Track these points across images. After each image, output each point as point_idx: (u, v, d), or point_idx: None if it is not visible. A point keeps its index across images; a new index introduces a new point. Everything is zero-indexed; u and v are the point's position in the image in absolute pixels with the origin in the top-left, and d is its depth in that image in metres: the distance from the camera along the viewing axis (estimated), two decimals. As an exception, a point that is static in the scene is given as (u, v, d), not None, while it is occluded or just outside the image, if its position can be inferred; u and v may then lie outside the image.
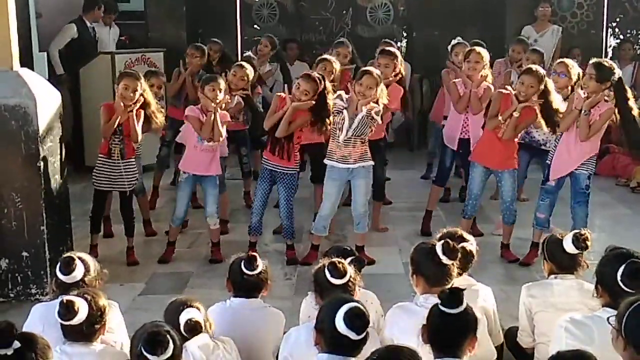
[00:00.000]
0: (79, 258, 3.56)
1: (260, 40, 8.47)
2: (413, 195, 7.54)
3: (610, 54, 10.49)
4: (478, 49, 6.23)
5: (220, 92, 5.70)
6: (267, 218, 6.10)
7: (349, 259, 3.59)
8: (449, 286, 2.85)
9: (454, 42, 7.18)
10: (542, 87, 5.49)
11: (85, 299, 3.11)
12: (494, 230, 6.31)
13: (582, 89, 5.44)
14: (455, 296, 2.77)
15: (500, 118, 5.58)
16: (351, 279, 3.43)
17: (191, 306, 3.28)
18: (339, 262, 3.44)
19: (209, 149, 5.74)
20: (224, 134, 5.74)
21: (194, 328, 3.17)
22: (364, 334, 2.82)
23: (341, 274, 3.40)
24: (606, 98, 5.29)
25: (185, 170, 5.84)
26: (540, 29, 9.46)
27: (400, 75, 6.31)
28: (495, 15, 10.33)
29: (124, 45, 9.80)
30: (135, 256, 5.88)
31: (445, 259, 3.37)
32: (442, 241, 3.41)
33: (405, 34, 10.99)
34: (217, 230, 5.97)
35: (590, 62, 5.42)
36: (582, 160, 5.40)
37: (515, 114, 5.52)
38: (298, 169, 5.92)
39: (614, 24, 10.59)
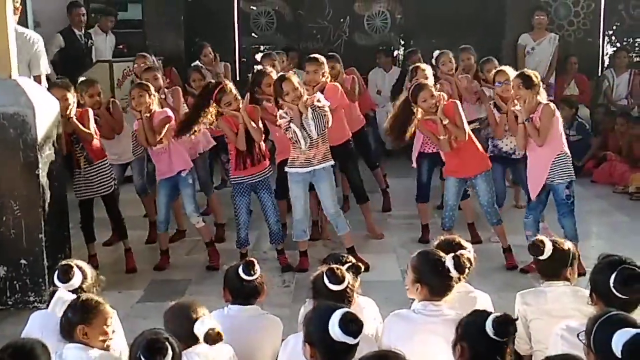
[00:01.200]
0: (77, 266, 3.58)
1: (203, 51, 8.21)
2: (411, 202, 7.50)
3: (606, 62, 10.54)
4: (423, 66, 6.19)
5: (142, 97, 5.70)
6: (266, 227, 6.09)
7: (346, 266, 3.61)
8: (499, 313, 2.81)
9: (436, 53, 7.15)
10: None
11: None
12: (491, 237, 6.32)
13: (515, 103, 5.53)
14: (509, 326, 2.74)
15: (441, 138, 5.59)
16: (349, 285, 3.46)
17: (202, 314, 3.24)
18: (337, 269, 3.47)
19: (160, 151, 5.81)
20: (162, 133, 5.73)
21: (216, 339, 3.13)
22: (359, 337, 2.83)
23: (339, 280, 3.42)
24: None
25: (157, 177, 5.97)
26: (537, 37, 9.51)
27: (329, 79, 6.27)
28: (494, 24, 10.35)
29: (122, 53, 9.80)
30: (134, 262, 5.90)
31: (455, 274, 3.40)
32: (453, 255, 3.44)
33: (402, 42, 11.01)
34: (204, 229, 5.99)
35: (514, 76, 5.62)
36: (551, 161, 5.42)
37: (444, 120, 5.54)
38: (270, 167, 5.95)
39: (611, 32, 10.62)
